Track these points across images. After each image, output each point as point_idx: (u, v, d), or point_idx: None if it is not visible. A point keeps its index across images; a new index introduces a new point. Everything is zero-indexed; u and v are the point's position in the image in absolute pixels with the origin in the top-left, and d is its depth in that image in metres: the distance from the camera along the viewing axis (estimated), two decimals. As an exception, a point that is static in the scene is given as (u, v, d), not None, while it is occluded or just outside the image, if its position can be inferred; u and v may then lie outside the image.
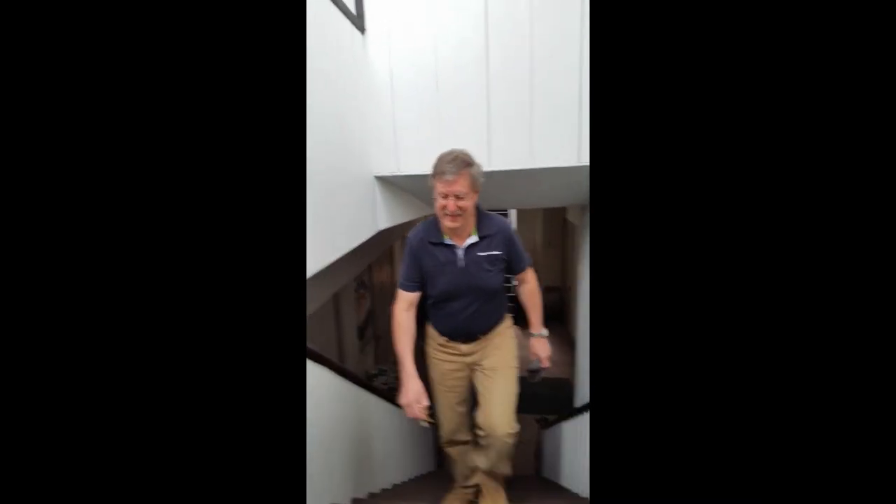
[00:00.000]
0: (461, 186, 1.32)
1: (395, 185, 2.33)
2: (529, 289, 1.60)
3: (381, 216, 2.25)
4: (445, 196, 1.34)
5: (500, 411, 1.51)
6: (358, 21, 1.92)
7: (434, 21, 2.00)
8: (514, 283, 1.64)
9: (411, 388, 1.36)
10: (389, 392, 2.16)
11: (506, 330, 1.62)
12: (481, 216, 1.48)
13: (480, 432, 1.54)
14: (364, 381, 1.92)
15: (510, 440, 1.52)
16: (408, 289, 1.49)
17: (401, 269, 1.51)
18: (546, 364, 1.57)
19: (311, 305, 1.43)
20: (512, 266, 1.54)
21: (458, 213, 1.35)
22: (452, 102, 2.06)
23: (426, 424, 1.36)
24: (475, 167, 1.37)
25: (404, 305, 1.48)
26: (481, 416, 1.54)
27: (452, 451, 1.76)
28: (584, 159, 2.03)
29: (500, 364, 1.56)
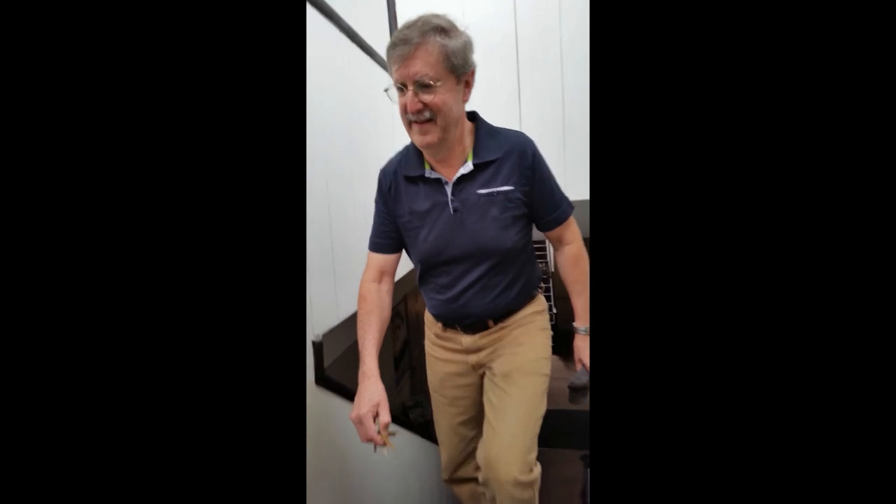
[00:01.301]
0: (424, 65, 0.77)
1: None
2: (571, 254, 1.00)
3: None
4: (403, 86, 0.81)
5: (507, 443, 0.94)
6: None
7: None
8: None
9: (365, 396, 0.85)
10: (426, 426, 2.15)
11: (534, 317, 1.05)
12: (483, 131, 0.93)
13: (478, 473, 1.03)
14: (398, 416, 1.92)
15: (518, 491, 0.92)
16: (378, 248, 1.01)
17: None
18: None
19: (349, 338, 1.46)
20: (537, 214, 0.95)
21: (426, 118, 0.81)
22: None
23: (385, 453, 0.86)
24: (455, 38, 0.80)
25: (372, 274, 1.01)
26: (481, 449, 1.01)
27: (459, 491, 1.17)
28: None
29: (517, 368, 0.98)
